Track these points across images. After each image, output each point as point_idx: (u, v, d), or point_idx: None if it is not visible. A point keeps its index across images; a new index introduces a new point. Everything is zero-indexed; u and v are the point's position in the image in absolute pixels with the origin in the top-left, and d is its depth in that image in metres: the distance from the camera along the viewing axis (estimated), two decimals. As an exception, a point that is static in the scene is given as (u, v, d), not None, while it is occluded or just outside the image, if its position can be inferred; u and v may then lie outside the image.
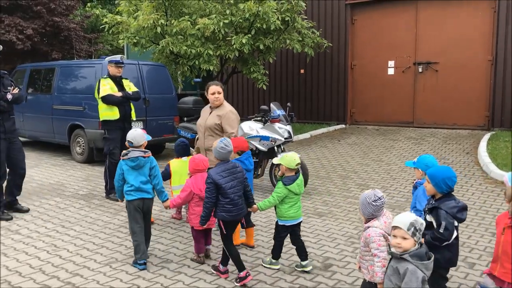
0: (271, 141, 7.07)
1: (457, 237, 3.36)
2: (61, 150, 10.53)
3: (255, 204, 4.36)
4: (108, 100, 6.67)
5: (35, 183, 7.77)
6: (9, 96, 5.83)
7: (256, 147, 7.25)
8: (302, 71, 13.71)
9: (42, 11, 17.40)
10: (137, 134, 4.74)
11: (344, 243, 5.14)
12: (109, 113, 6.73)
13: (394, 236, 2.80)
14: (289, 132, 7.20)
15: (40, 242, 5.09)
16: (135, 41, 10.66)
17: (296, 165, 4.25)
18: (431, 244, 3.24)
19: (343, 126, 13.14)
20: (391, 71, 12.53)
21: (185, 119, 8.26)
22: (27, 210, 6.19)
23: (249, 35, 10.24)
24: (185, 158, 5.66)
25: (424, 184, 3.51)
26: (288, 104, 7.65)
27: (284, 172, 4.31)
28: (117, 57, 6.90)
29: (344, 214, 6.16)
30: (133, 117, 6.92)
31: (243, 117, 8.45)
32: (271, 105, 7.35)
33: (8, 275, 4.24)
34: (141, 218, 4.58)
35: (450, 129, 11.62)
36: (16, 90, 5.97)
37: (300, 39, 11.27)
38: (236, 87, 14.92)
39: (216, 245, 4.93)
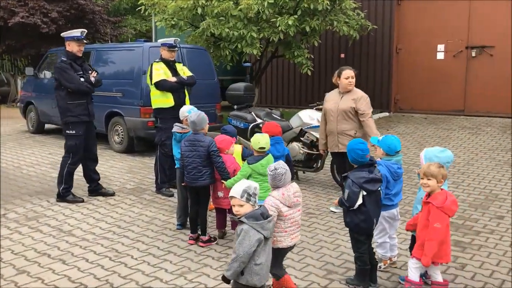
0: (334, 131, 6.43)
1: (364, 204, 3.60)
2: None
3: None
4: (162, 86, 6.09)
5: (76, 175, 7.19)
6: (92, 79, 5.99)
7: (317, 138, 6.62)
8: (342, 55, 12.97)
9: (66, -7, 16.83)
10: (181, 110, 5.32)
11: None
12: (163, 100, 6.15)
13: (233, 205, 2.98)
14: (354, 122, 6.57)
15: (99, 246, 4.54)
16: (173, 23, 10.03)
17: (259, 148, 4.33)
18: (344, 208, 3.76)
19: (387, 114, 12.42)
20: (440, 56, 11.74)
21: (235, 107, 7.64)
22: (113, 194, 6.24)
23: (295, 16, 9.55)
24: None
25: None
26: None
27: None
28: (170, 40, 6.28)
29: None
30: (188, 104, 6.31)
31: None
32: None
33: (72, 288, 3.71)
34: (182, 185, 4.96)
35: (506, 118, 10.84)
36: (95, 74, 6.09)
37: (347, 20, 10.54)
38: (276, 72, 14.20)
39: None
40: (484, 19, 11.06)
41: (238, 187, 2.98)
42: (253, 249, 2.86)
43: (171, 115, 6.16)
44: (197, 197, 4.72)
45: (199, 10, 9.47)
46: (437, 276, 3.52)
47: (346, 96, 5.51)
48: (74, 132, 5.91)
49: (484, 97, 11.22)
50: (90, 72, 6.07)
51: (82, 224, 5.14)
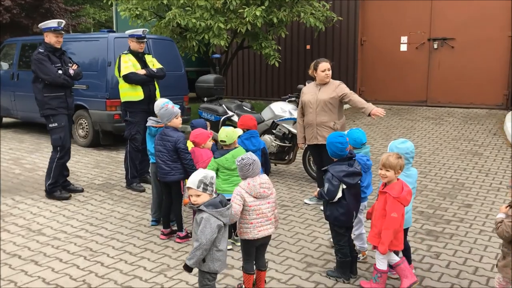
0: (307, 123, 6.45)
1: (344, 198, 3.65)
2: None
3: None
4: (131, 78, 5.91)
5: (41, 171, 6.96)
6: (71, 71, 5.77)
7: (289, 131, 6.63)
8: (308, 47, 13.02)
9: (21, -20, 16.08)
10: (156, 103, 4.91)
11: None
12: (132, 93, 5.97)
13: (190, 195, 3.00)
14: (326, 114, 6.59)
15: (72, 245, 4.38)
16: (137, 13, 9.75)
17: (220, 141, 4.27)
18: (324, 202, 3.82)
19: (352, 105, 12.57)
20: (403, 48, 11.95)
21: (205, 99, 7.53)
22: (82, 190, 6.05)
23: (262, 7, 9.48)
24: None
25: None
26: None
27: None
28: (139, 31, 6.10)
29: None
30: (158, 97, 6.16)
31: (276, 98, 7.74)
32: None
33: (47, 290, 3.57)
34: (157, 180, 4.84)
35: (467, 108, 11.18)
36: (75, 67, 5.88)
37: (313, 12, 10.56)
38: (242, 64, 14.08)
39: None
40: (445, 12, 11.33)
41: (194, 178, 2.98)
42: (214, 235, 2.90)
43: (140, 108, 6.02)
44: (170, 192, 4.64)
45: (165, 0, 9.25)
46: (394, 257, 3.60)
47: (325, 87, 5.52)
48: (56, 124, 5.72)
49: (445, 88, 11.52)
50: (70, 64, 5.85)
51: (52, 222, 4.95)
